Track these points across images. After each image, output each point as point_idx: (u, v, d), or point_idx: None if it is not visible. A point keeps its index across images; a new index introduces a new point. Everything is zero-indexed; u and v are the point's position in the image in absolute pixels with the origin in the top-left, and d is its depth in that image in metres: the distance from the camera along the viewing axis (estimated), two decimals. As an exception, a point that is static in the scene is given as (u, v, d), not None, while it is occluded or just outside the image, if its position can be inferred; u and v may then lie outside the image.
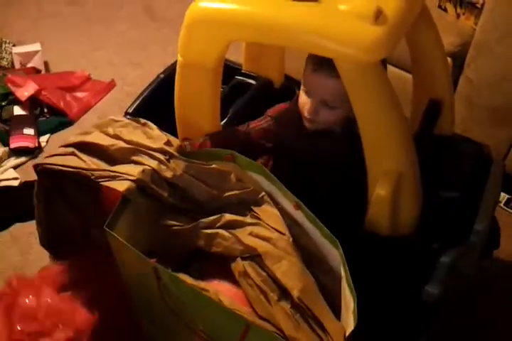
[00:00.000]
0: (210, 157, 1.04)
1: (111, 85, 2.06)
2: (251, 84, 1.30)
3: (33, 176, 1.27)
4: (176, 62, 1.36)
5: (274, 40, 0.91)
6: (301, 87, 1.08)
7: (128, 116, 1.29)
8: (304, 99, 1.08)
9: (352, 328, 0.86)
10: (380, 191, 0.96)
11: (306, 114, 1.08)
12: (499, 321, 1.40)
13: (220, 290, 0.96)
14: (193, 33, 0.96)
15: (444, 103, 1.13)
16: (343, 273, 0.94)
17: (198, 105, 1.08)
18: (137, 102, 1.31)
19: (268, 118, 1.16)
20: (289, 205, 0.99)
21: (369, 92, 0.89)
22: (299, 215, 0.98)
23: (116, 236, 0.91)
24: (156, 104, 1.33)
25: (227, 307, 0.85)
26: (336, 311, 1.07)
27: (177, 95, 1.09)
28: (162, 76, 1.35)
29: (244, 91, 1.29)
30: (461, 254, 1.09)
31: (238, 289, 1.00)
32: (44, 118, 1.94)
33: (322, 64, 0.99)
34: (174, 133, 1.24)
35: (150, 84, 1.34)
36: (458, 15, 1.55)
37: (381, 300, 1.13)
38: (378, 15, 0.83)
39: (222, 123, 1.24)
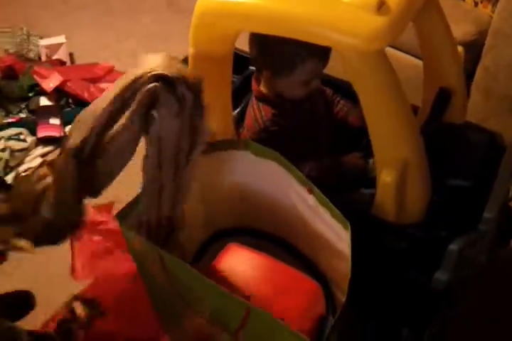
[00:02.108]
0: (227, 145, 1.08)
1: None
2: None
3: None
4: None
5: (279, 31, 0.93)
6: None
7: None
8: (290, 85, 1.16)
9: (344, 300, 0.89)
10: (385, 178, 0.98)
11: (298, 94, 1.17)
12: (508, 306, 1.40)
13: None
14: (202, 24, 0.99)
15: (455, 91, 1.13)
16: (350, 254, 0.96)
17: (209, 95, 1.10)
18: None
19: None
20: (303, 190, 1.02)
21: (373, 81, 0.90)
22: (311, 199, 1.01)
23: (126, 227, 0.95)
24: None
25: (226, 292, 0.88)
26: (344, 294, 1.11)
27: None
28: (178, 67, 1.38)
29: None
30: (469, 242, 1.09)
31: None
32: (69, 109, 2.00)
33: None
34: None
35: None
36: (476, 4, 1.54)
37: (390, 287, 1.15)
38: (381, 6, 0.84)
39: (234, 112, 1.27)
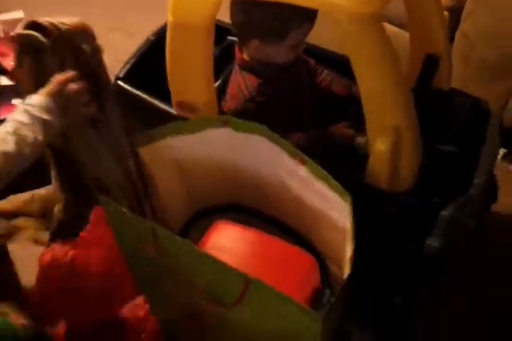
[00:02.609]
0: (203, 125, 1.03)
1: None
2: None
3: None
4: (166, 25, 1.34)
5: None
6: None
7: (119, 81, 1.27)
8: (276, 50, 1.12)
9: (346, 275, 0.87)
10: (379, 146, 0.96)
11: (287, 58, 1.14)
12: (496, 270, 1.43)
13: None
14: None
15: (441, 57, 1.12)
16: (348, 226, 0.94)
17: (191, 66, 1.05)
18: (127, 66, 1.28)
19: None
20: (293, 162, 0.98)
21: (367, 47, 0.87)
22: (303, 171, 0.98)
23: (112, 202, 0.91)
24: (148, 68, 1.30)
25: (224, 263, 0.85)
26: (338, 264, 1.10)
27: (169, 57, 1.07)
28: (152, 38, 1.31)
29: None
30: (460, 207, 1.09)
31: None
32: (32, 88, 1.92)
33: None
34: (168, 97, 1.23)
35: (140, 48, 1.31)
36: (455, -32, 1.52)
37: (383, 254, 1.14)
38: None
39: (216, 84, 1.23)
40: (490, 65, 1.47)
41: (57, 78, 0.84)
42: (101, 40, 2.10)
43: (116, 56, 1.96)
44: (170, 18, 0.99)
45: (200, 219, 1.28)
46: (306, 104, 1.23)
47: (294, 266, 1.07)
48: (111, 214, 0.96)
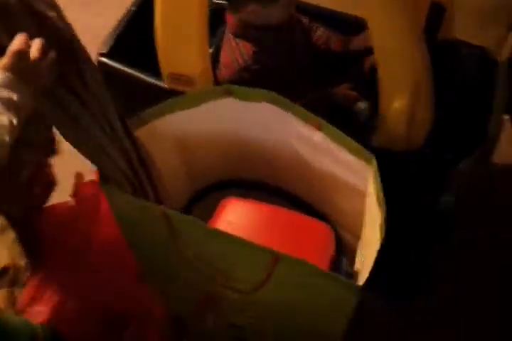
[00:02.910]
0: (204, 97, 0.95)
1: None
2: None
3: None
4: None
5: None
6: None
7: (102, 58, 1.18)
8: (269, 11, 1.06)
9: (378, 243, 0.83)
10: (398, 103, 0.91)
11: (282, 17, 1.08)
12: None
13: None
14: None
15: (446, 6, 1.06)
16: (371, 190, 0.90)
17: (185, 33, 0.97)
18: (110, 41, 1.19)
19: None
20: (307, 128, 0.93)
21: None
22: (319, 136, 0.92)
23: (115, 190, 0.84)
24: (132, 41, 1.21)
25: (254, 244, 0.80)
26: (354, 232, 1.06)
27: (158, 25, 0.99)
28: (133, 9, 1.22)
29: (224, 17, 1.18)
30: (475, 162, 1.06)
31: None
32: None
33: None
34: (156, 70, 1.15)
35: (121, 19, 1.21)
36: None
37: (398, 212, 1.12)
38: None
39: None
40: (481, 10, 1.43)
41: (13, 47, 0.69)
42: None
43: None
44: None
45: (202, 198, 1.22)
46: (302, 64, 1.17)
47: (310, 236, 1.04)
48: (115, 204, 0.90)
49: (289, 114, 0.94)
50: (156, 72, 1.14)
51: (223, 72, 1.14)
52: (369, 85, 1.16)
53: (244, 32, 1.08)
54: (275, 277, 0.81)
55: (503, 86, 1.11)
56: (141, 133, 0.96)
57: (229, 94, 0.95)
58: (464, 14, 1.49)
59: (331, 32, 1.20)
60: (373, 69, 1.13)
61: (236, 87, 0.95)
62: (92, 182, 1.00)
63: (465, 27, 1.49)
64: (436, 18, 1.05)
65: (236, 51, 1.09)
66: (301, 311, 0.87)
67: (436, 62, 1.02)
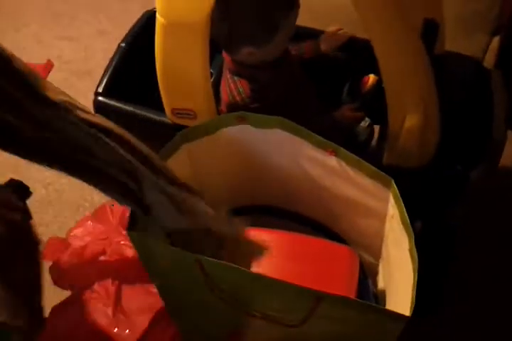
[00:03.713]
0: (219, 124, 0.96)
1: (48, 66, 1.86)
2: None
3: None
4: (133, 28, 1.24)
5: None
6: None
7: (100, 97, 1.16)
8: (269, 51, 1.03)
9: (412, 270, 0.83)
10: (412, 122, 0.92)
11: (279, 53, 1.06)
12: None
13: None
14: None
15: (438, 21, 1.07)
16: (393, 212, 0.90)
17: (187, 69, 0.97)
18: (104, 80, 1.17)
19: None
20: (321, 153, 0.93)
21: (386, 17, 0.82)
22: (334, 161, 0.93)
23: (145, 237, 0.83)
24: (127, 77, 1.20)
25: (295, 286, 0.79)
26: (372, 252, 1.06)
27: (160, 62, 0.97)
28: (123, 45, 1.21)
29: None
30: (486, 169, 1.08)
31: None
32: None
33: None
34: (158, 105, 1.13)
35: (113, 57, 1.20)
36: None
37: (417, 230, 1.12)
38: None
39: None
40: (465, 21, 1.45)
41: None
42: (53, 52, 1.97)
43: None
44: (160, 20, 0.89)
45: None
46: (305, 92, 1.17)
47: (335, 261, 1.04)
48: (141, 247, 0.88)
49: (302, 140, 0.95)
50: (154, 107, 1.13)
51: (223, 109, 1.13)
52: (369, 102, 1.18)
53: (240, 70, 1.07)
54: (318, 314, 0.80)
55: (499, 92, 1.13)
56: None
57: (243, 120, 0.96)
58: (448, 22, 1.52)
59: (314, 40, 1.21)
60: (374, 88, 1.15)
61: (250, 113, 0.96)
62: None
63: (452, 36, 1.52)
64: (431, 34, 1.06)
65: (234, 89, 1.08)
66: (343, 341, 0.87)
67: (435, 76, 1.04)
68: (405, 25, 0.87)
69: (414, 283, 0.77)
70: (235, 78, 1.09)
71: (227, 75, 1.11)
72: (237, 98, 1.09)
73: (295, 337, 0.90)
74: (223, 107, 1.14)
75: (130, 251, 1.34)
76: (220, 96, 1.14)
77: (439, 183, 1.07)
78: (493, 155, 1.09)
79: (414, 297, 0.75)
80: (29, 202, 1.42)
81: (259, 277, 0.78)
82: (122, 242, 1.36)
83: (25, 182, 1.42)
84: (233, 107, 1.10)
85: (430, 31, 1.06)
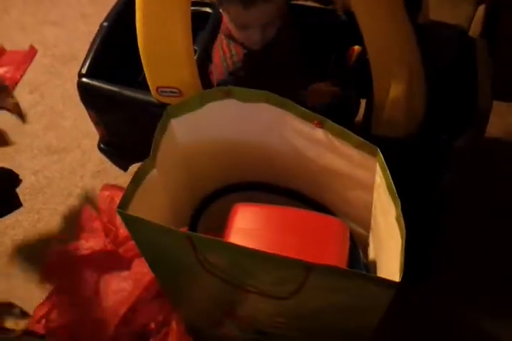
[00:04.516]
0: (205, 99, 0.95)
1: (32, 52, 1.84)
2: (207, 13, 1.18)
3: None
4: (115, 7, 1.23)
5: None
6: (235, 27, 1.03)
7: (84, 78, 1.15)
8: (245, 35, 1.05)
9: (400, 236, 0.83)
10: (397, 92, 0.91)
11: (255, 43, 1.06)
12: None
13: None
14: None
15: (422, -11, 1.07)
16: (380, 181, 0.90)
17: (170, 45, 0.95)
18: (88, 60, 1.16)
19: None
20: (307, 125, 0.93)
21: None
22: (321, 133, 0.92)
23: (135, 216, 0.83)
24: (110, 57, 1.19)
25: (283, 257, 0.79)
26: (362, 223, 1.07)
27: (142, 39, 0.96)
28: (105, 24, 1.19)
29: (203, 22, 1.17)
30: (472, 137, 1.08)
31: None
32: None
33: None
34: (141, 85, 1.13)
35: (95, 37, 1.18)
36: None
37: (405, 198, 1.13)
38: None
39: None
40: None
41: None
42: (36, 38, 1.95)
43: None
44: (140, -7, 0.88)
45: (208, 205, 1.22)
46: (293, 63, 1.16)
47: (326, 233, 1.04)
48: (132, 227, 0.88)
49: (288, 113, 0.95)
50: (140, 88, 1.13)
51: (214, 73, 1.12)
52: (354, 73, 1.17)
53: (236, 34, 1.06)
54: (309, 285, 0.81)
55: (484, 61, 1.13)
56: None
57: (229, 95, 0.96)
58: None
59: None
60: (359, 59, 1.14)
61: (236, 88, 0.95)
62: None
63: (438, 6, 1.51)
64: (414, 3, 1.06)
65: (227, 52, 1.08)
66: (336, 312, 0.87)
67: (420, 46, 1.04)
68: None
69: (402, 249, 0.77)
70: (230, 42, 1.08)
71: (222, 38, 1.10)
72: (229, 61, 1.08)
73: (289, 310, 0.91)
74: (213, 69, 1.12)
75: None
76: (212, 58, 1.13)
77: (425, 152, 1.07)
78: (479, 124, 1.10)
79: (403, 262, 0.75)
80: (19, 189, 1.43)
81: (246, 250, 0.78)
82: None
83: (14, 169, 1.43)
84: (221, 71, 1.09)
85: (413, 0, 1.06)
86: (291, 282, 0.83)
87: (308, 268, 0.78)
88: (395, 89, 0.92)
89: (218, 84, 1.11)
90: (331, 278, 0.79)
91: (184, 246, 0.83)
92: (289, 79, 1.14)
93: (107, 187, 1.43)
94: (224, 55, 1.08)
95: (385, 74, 0.92)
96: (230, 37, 1.08)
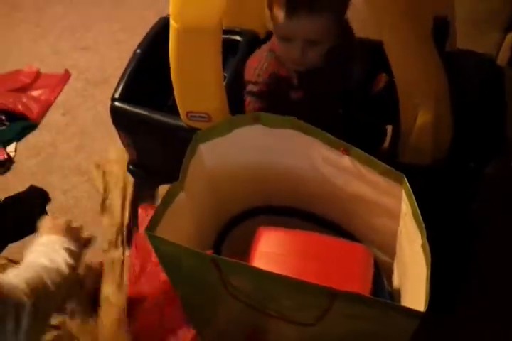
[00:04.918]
0: (233, 124, 0.97)
1: (66, 76, 1.91)
2: (237, 40, 1.21)
3: (9, 190, 1.20)
4: (148, 34, 1.27)
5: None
6: (277, 37, 1.02)
7: (116, 103, 1.19)
8: (285, 48, 1.03)
9: (425, 264, 0.83)
10: (424, 120, 0.92)
11: (294, 60, 1.04)
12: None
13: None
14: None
15: (449, 19, 1.08)
16: (406, 209, 0.90)
17: (201, 72, 0.98)
18: (121, 85, 1.20)
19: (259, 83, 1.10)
20: (333, 152, 0.94)
21: (397, 19, 0.83)
22: (347, 161, 0.93)
23: (163, 238, 0.84)
24: (143, 83, 1.22)
25: (308, 283, 0.79)
26: (387, 250, 1.06)
27: (174, 66, 0.99)
28: (138, 51, 1.23)
29: (233, 50, 1.19)
30: (500, 166, 1.08)
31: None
32: (4, 127, 1.80)
33: (298, 6, 0.95)
34: (170, 109, 1.15)
35: (129, 63, 1.22)
36: None
37: (432, 227, 1.12)
38: None
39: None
40: (479, 18, 1.46)
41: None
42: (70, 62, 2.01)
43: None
44: (174, 25, 0.92)
45: (233, 227, 1.23)
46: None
47: (350, 259, 1.03)
48: (160, 250, 0.90)
49: (315, 139, 0.96)
50: (170, 112, 1.15)
51: (245, 74, 1.13)
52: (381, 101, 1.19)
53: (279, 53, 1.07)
54: (333, 312, 0.81)
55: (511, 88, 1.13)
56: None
57: (257, 120, 0.97)
58: (461, 22, 1.52)
59: None
60: (386, 87, 1.16)
61: (264, 114, 0.97)
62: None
63: (466, 35, 1.51)
64: (442, 32, 1.07)
65: (261, 61, 1.09)
66: (359, 339, 0.87)
67: (448, 74, 1.05)
68: (416, 26, 0.87)
69: (427, 277, 0.76)
70: (269, 55, 1.09)
71: (264, 49, 1.11)
72: (256, 71, 1.09)
73: (312, 336, 0.91)
74: (245, 72, 1.13)
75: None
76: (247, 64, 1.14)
77: (453, 180, 1.07)
78: (507, 153, 1.09)
79: (429, 291, 0.75)
80: (48, 208, 1.46)
81: (271, 275, 0.79)
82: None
83: (45, 188, 1.46)
84: (248, 78, 1.11)
85: (441, 29, 1.07)
86: (315, 308, 0.82)
87: (333, 295, 0.78)
88: (422, 117, 0.93)
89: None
90: (354, 306, 0.79)
91: (209, 269, 0.84)
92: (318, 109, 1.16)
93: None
94: (258, 61, 1.09)
95: (411, 103, 0.93)
96: (271, 50, 1.09)
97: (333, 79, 1.12)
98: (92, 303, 1.15)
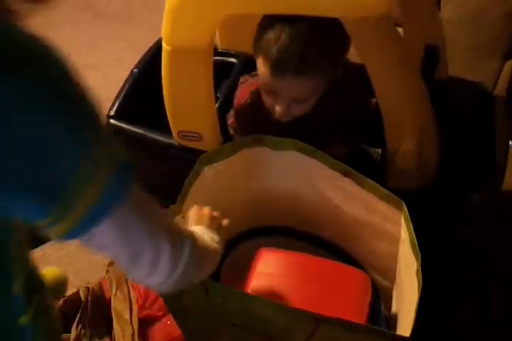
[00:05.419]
0: (237, 147, 0.99)
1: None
2: (232, 62, 1.24)
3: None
4: (146, 54, 1.30)
5: (273, 9, 0.84)
6: (261, 89, 0.99)
7: (112, 120, 1.21)
8: (269, 101, 0.98)
9: (417, 291, 0.82)
10: (408, 147, 0.93)
11: (276, 114, 0.99)
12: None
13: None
14: (179, 15, 0.88)
15: (440, 47, 1.10)
16: (404, 235, 0.91)
17: (192, 93, 1.00)
18: (117, 103, 1.22)
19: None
20: (336, 175, 0.95)
21: (382, 50, 0.84)
22: (347, 183, 0.94)
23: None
24: (139, 101, 1.25)
25: (293, 309, 0.80)
26: (387, 275, 1.06)
27: (167, 86, 1.02)
28: (136, 71, 1.26)
29: (227, 71, 1.22)
30: (487, 193, 1.08)
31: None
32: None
33: (285, 67, 0.89)
34: (166, 128, 1.17)
35: (126, 81, 1.25)
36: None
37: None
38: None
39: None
40: (476, 45, 1.47)
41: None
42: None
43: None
44: (166, 47, 0.94)
45: (233, 248, 1.21)
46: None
47: (347, 284, 1.03)
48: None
49: (317, 161, 0.97)
50: (164, 129, 1.17)
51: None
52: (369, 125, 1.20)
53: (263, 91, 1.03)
54: (319, 336, 0.81)
55: (502, 117, 1.14)
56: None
57: (259, 142, 0.98)
58: (460, 49, 1.54)
59: None
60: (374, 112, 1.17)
61: (266, 136, 0.98)
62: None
63: (466, 61, 1.53)
64: (432, 60, 1.09)
65: (246, 88, 1.08)
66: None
67: (435, 102, 1.06)
68: (402, 55, 0.88)
69: (416, 304, 0.76)
70: (250, 79, 1.08)
71: (251, 85, 1.08)
72: (242, 98, 1.08)
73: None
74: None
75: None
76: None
77: (440, 206, 1.07)
78: (495, 180, 1.10)
79: (415, 319, 0.74)
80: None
81: (258, 299, 0.79)
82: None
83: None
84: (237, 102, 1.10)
85: (430, 57, 1.09)
86: (302, 331, 0.83)
87: (318, 319, 0.79)
88: (406, 143, 0.94)
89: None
90: (339, 330, 0.80)
91: (200, 293, 0.84)
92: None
93: None
94: (242, 91, 1.08)
95: (396, 129, 0.95)
96: (256, 89, 1.05)
97: (324, 120, 1.07)
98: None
